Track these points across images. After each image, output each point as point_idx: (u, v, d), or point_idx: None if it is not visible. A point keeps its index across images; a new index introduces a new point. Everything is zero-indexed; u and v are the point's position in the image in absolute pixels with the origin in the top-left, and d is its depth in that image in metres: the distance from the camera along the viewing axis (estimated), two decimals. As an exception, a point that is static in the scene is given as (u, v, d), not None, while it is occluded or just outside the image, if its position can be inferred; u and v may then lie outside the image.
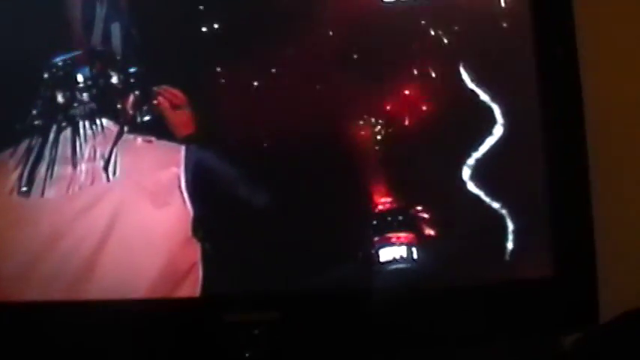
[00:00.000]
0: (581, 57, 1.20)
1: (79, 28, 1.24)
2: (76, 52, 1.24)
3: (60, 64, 1.23)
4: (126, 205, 1.21)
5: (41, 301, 1.19)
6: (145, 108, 1.23)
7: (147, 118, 1.23)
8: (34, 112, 1.23)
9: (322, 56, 1.22)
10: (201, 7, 1.22)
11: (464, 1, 1.22)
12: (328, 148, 1.21)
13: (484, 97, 1.20)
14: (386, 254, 1.19)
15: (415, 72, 1.21)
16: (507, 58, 1.21)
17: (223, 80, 1.22)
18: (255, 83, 1.21)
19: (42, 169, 1.23)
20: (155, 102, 1.23)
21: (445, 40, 1.21)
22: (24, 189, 1.23)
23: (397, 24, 1.22)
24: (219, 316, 1.18)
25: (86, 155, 1.23)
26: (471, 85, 1.20)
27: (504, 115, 1.19)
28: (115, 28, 1.24)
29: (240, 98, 1.22)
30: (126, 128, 1.23)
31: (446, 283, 1.18)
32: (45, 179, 1.22)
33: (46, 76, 1.23)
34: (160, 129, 1.23)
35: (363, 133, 1.21)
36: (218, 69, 1.22)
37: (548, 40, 1.19)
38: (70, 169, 1.22)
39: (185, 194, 1.21)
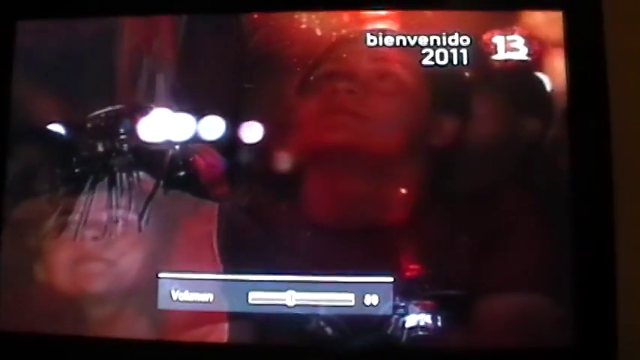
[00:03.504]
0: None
1: (125, 81, 1.28)
2: (120, 105, 1.27)
3: (103, 115, 1.26)
4: (157, 256, 1.23)
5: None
6: (181, 164, 1.25)
7: (183, 173, 1.25)
8: (75, 160, 1.26)
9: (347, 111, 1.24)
10: (244, 63, 1.26)
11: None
12: (359, 212, 1.23)
13: (512, 178, 1.22)
14: (410, 320, 1.19)
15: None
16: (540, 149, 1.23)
17: (260, 139, 1.24)
18: (293, 144, 1.24)
19: (77, 215, 1.25)
20: (192, 159, 1.25)
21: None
22: (58, 233, 1.25)
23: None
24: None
25: (121, 205, 1.25)
26: (501, 168, 1.22)
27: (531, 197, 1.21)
28: (160, 83, 1.27)
29: (276, 158, 1.24)
30: (162, 182, 1.25)
31: (465, 350, 1.19)
32: (79, 226, 1.24)
33: (89, 126, 1.26)
34: (195, 186, 1.24)
35: (395, 196, 1.22)
36: (256, 128, 1.24)
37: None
38: (104, 217, 1.24)
39: (216, 251, 1.22)
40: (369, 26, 1.25)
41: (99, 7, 1.29)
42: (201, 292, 1.21)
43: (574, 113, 1.21)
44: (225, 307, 1.21)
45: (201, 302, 1.21)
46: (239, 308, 1.20)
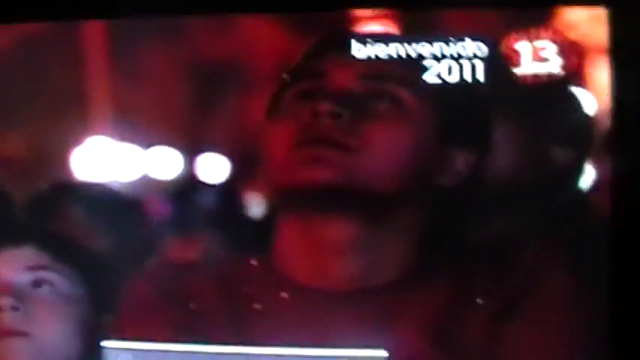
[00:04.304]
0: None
1: (47, 101, 1.13)
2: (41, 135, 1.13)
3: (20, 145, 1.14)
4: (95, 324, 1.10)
5: None
6: (121, 209, 1.12)
7: (123, 221, 1.11)
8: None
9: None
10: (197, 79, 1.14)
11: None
12: (347, 268, 1.07)
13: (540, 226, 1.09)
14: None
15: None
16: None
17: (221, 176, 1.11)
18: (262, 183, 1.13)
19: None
20: (134, 203, 1.12)
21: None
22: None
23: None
24: None
25: (49, 262, 1.10)
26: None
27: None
28: (90, 105, 1.13)
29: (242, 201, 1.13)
30: (97, 232, 1.12)
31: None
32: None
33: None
34: (138, 236, 1.13)
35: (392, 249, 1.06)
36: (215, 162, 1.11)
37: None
38: (28, 279, 1.09)
39: (164, 318, 1.07)
40: (355, 29, 1.09)
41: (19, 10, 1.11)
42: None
43: (619, 144, 1.06)
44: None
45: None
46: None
